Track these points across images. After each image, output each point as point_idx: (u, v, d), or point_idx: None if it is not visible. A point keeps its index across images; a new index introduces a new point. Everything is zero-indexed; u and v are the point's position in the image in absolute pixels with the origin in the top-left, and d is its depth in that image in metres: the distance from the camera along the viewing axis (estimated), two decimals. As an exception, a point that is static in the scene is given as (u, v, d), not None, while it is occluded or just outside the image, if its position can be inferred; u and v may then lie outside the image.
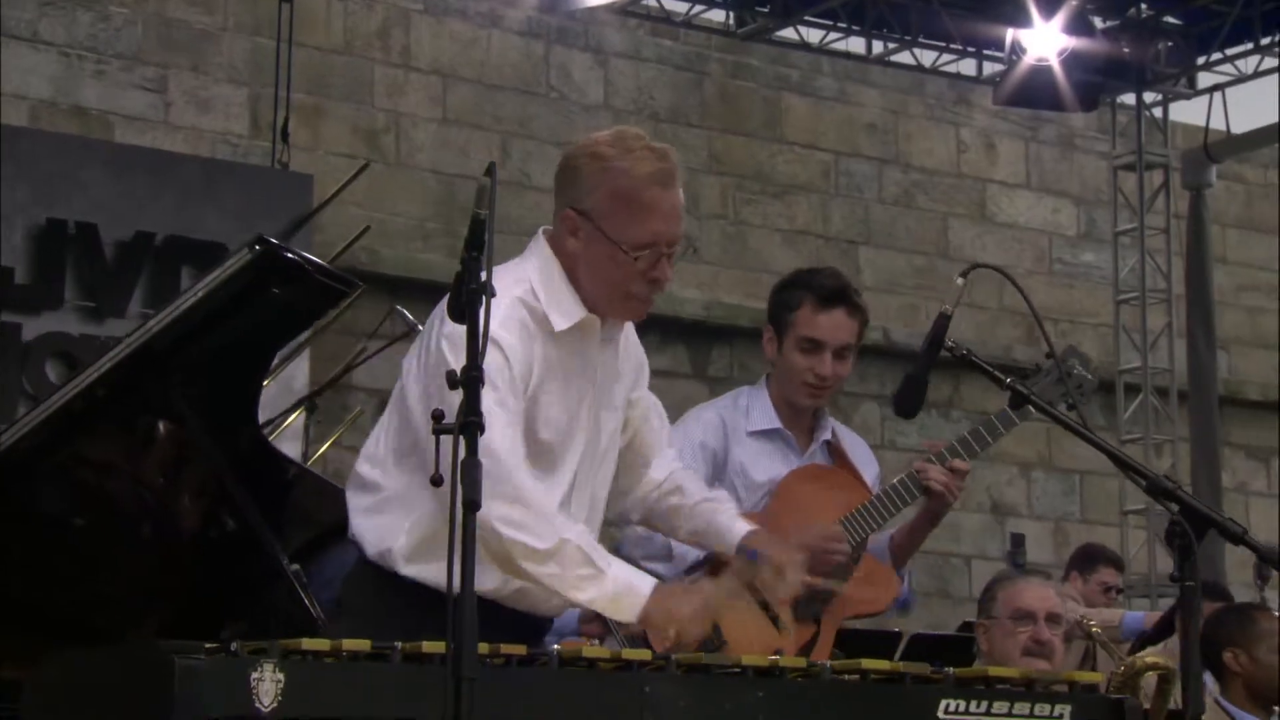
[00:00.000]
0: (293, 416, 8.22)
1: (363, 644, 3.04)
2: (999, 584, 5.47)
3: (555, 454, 3.68)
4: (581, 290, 3.69)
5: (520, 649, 3.14)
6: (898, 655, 6.45)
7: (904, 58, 12.62)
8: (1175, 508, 3.40)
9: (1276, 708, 5.80)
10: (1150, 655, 5.17)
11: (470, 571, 2.79)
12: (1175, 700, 5.27)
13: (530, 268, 3.78)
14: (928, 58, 12.67)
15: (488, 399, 3.53)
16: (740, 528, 3.97)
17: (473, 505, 2.78)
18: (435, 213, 12.81)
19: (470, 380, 2.90)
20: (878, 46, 12.53)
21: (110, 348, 4.59)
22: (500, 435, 3.52)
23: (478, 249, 3.18)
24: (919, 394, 4.00)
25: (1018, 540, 8.42)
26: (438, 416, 2.94)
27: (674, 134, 13.53)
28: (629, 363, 3.92)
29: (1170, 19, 12.52)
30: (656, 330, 11.91)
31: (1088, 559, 8.49)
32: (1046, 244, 14.75)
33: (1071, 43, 11.14)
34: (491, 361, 3.55)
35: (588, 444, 3.74)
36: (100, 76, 11.55)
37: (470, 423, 2.82)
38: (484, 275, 3.12)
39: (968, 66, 12.86)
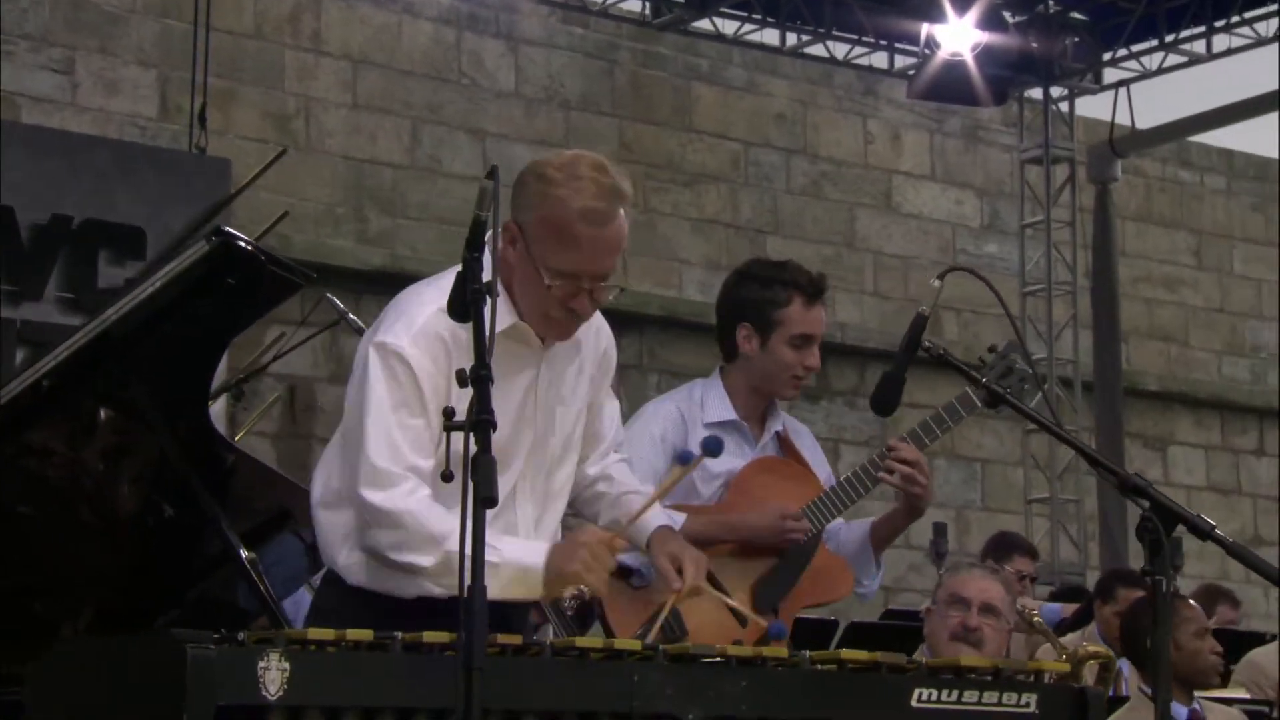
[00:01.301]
0: (216, 402, 8.19)
1: (365, 634, 3.09)
2: (948, 572, 5.56)
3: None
4: (513, 296, 3.72)
5: (516, 639, 3.20)
6: (834, 643, 6.55)
7: (817, 50, 12.74)
8: (1146, 504, 3.49)
9: (1198, 692, 5.92)
10: (1091, 645, 5.27)
11: (480, 565, 2.84)
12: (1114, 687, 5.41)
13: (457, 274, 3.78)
14: (840, 50, 12.79)
15: (376, 424, 3.63)
16: (655, 521, 3.96)
17: (489, 501, 2.83)
18: (345, 198, 12.79)
19: (479, 379, 2.94)
20: (791, 39, 12.63)
21: (68, 336, 4.59)
22: (377, 458, 3.60)
23: (478, 250, 3.20)
24: (896, 392, 4.09)
25: (940, 529, 8.56)
26: (449, 414, 2.99)
27: (584, 122, 13.60)
28: (593, 358, 3.92)
29: (1077, 15, 12.73)
30: (567, 317, 11.92)
31: (1003, 548, 8.58)
32: (951, 235, 14.93)
33: (984, 38, 11.29)
34: (396, 378, 3.64)
35: (535, 441, 3.77)
36: (7, 57, 11.43)
37: (482, 420, 2.87)
38: (485, 275, 3.16)
39: (879, 59, 13.00)
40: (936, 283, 4.00)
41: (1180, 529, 3.58)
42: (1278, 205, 16.39)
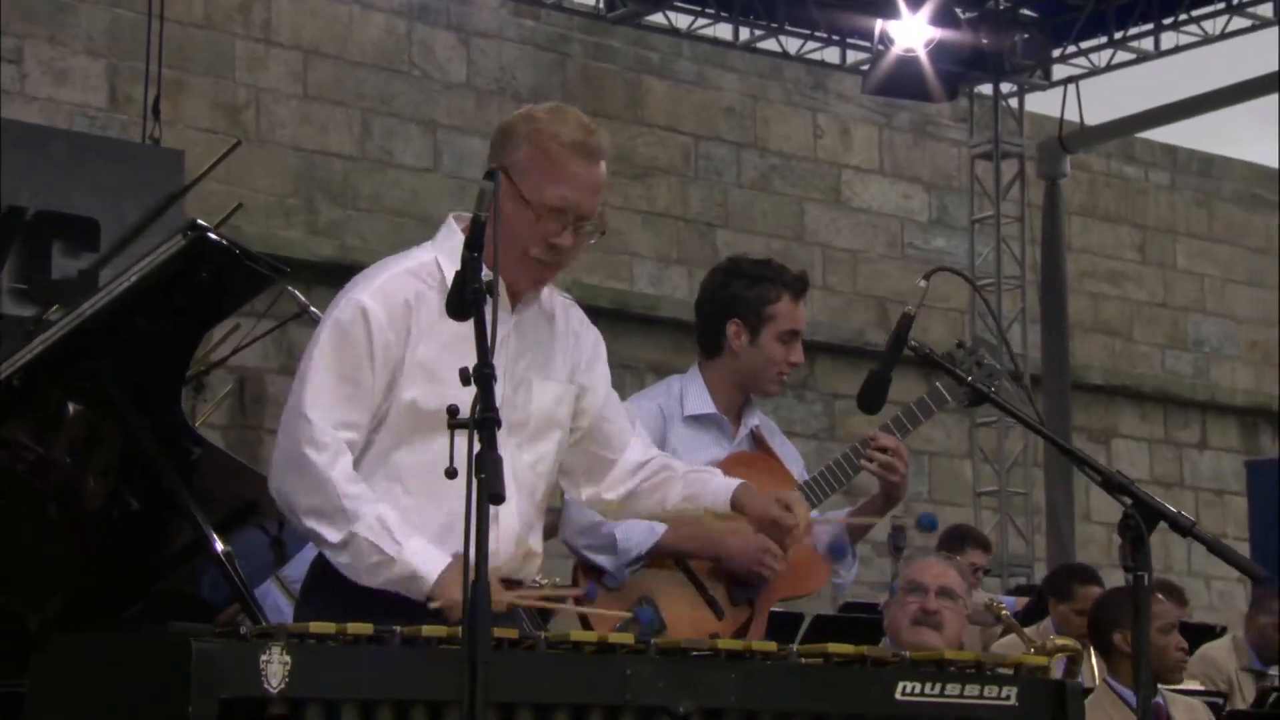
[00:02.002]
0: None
1: (365, 628, 3.11)
2: (905, 563, 5.63)
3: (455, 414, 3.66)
4: (489, 259, 3.71)
5: (512, 632, 3.23)
6: (799, 636, 6.60)
7: (770, 45, 12.80)
8: (1129, 501, 3.55)
9: (1161, 685, 5.99)
10: (1058, 638, 5.33)
11: (484, 559, 2.86)
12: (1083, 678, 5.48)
13: (427, 245, 3.84)
14: (793, 45, 12.86)
15: (318, 375, 3.66)
16: (733, 483, 4.01)
17: (496, 498, 2.86)
18: (295, 189, 12.77)
19: (483, 378, 2.96)
20: (744, 33, 12.69)
21: (40, 331, 4.60)
22: (314, 410, 3.63)
23: (478, 250, 3.22)
24: (882, 390, 4.15)
25: (899, 528, 8.60)
26: (453, 411, 3.01)
27: (536, 114, 13.60)
28: (569, 339, 3.91)
29: (1027, 12, 12.83)
30: (518, 310, 11.93)
31: (957, 540, 8.63)
32: (899, 229, 15.03)
33: (938, 34, 11.37)
34: (348, 332, 3.67)
35: (505, 413, 3.56)
36: (-44, 47, 11.38)
37: (487, 419, 2.89)
38: (488, 275, 3.18)
39: (832, 54, 13.07)
40: (923, 283, 4.06)
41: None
42: (1220, 200, 16.59)
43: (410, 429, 3.70)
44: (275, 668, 2.97)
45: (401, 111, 13.18)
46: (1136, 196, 16.14)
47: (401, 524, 3.63)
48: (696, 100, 14.20)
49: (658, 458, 4.08)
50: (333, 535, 3.62)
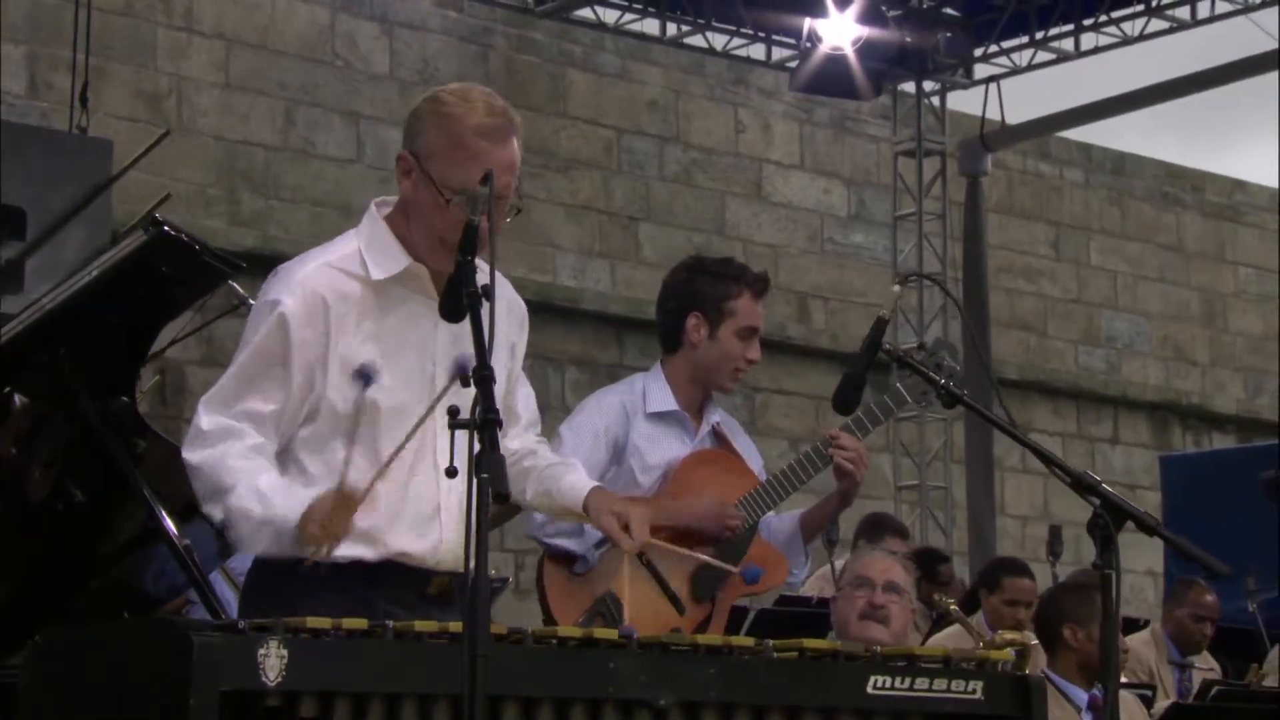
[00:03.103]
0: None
1: (360, 623, 3.16)
2: (852, 558, 5.72)
3: (381, 412, 3.65)
4: (407, 242, 3.71)
5: (501, 628, 3.27)
6: (744, 629, 6.67)
7: (696, 41, 12.87)
8: (1097, 501, 3.64)
9: (1098, 682, 6.07)
10: (1007, 632, 5.43)
11: (484, 556, 2.90)
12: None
13: (350, 234, 3.79)
14: (719, 41, 12.93)
15: (228, 373, 3.66)
16: (588, 484, 3.94)
17: (501, 497, 2.90)
18: (217, 179, 12.71)
19: (482, 379, 3.00)
20: (671, 29, 12.75)
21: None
22: (217, 403, 3.64)
23: (471, 253, 3.25)
24: (857, 392, 4.23)
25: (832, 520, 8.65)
26: (453, 412, 3.04)
27: (459, 106, 13.60)
28: (505, 314, 3.72)
29: (950, 11, 12.96)
30: (441, 302, 11.93)
31: (875, 528, 8.65)
32: (819, 224, 15.14)
33: (865, 32, 11.48)
34: (265, 330, 3.64)
35: (427, 399, 3.66)
36: (-127, 32, 11.24)
37: (489, 419, 2.93)
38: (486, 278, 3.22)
39: (757, 51, 13.16)
40: (897, 288, 4.14)
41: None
42: (1133, 198, 16.82)
43: (328, 434, 3.67)
44: (273, 661, 3.02)
45: (324, 102, 13.15)
46: (1051, 194, 16.35)
47: (278, 487, 3.59)
48: (619, 94, 14.26)
49: (527, 445, 4.01)
50: (218, 513, 3.61)
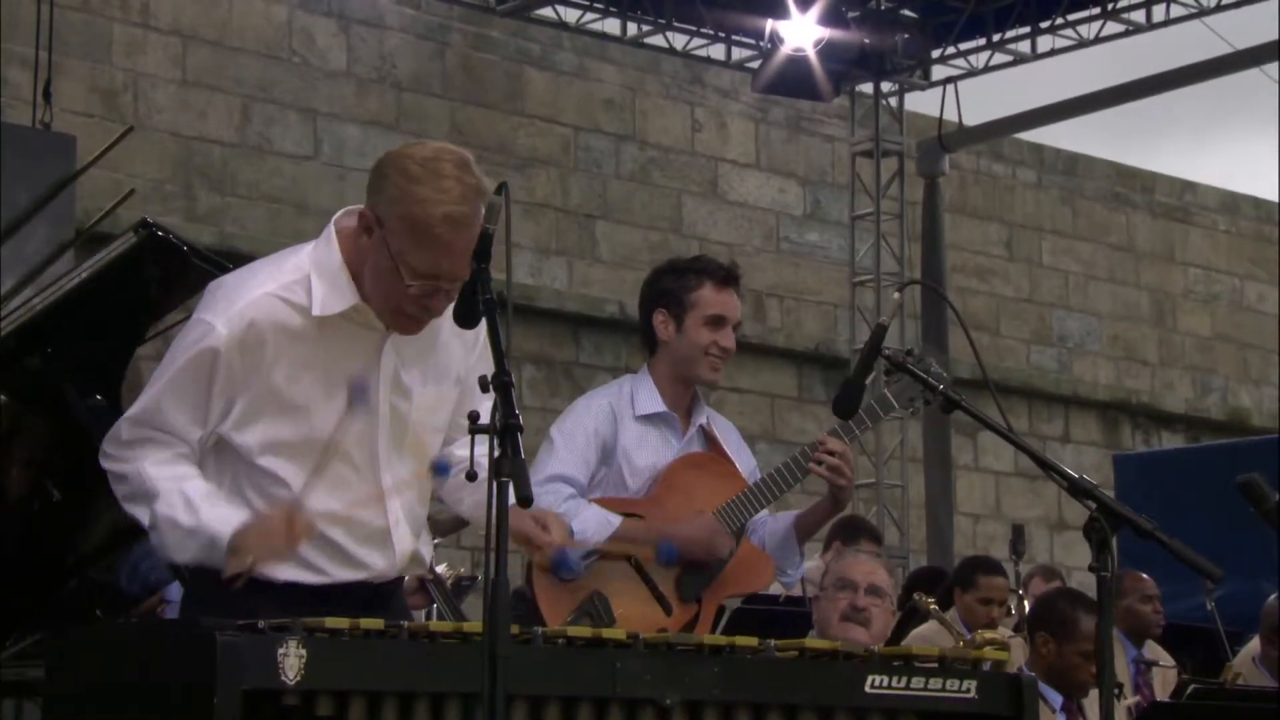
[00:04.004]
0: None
1: (376, 623, 3.21)
2: (835, 559, 5.76)
3: (316, 446, 3.64)
4: (359, 278, 3.65)
5: (513, 628, 3.31)
6: (719, 628, 6.69)
7: (656, 40, 12.91)
8: (1093, 505, 3.69)
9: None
10: (987, 632, 5.48)
11: (504, 559, 2.94)
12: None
13: (304, 254, 3.71)
14: (679, 41, 12.98)
15: (152, 386, 3.64)
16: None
17: (525, 500, 2.94)
18: (173, 175, 12.68)
19: (502, 386, 3.04)
20: (631, 28, 12.79)
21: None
22: (136, 408, 3.65)
23: (486, 261, 3.28)
24: (857, 396, 4.28)
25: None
26: (473, 417, 3.07)
27: (416, 103, 13.62)
28: (453, 340, 3.79)
29: (908, 12, 13.05)
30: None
31: (850, 531, 8.75)
32: (775, 223, 15.21)
33: (826, 34, 11.55)
34: (196, 353, 3.60)
35: (385, 431, 3.69)
36: None
37: (510, 425, 2.96)
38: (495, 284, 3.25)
39: (717, 51, 13.21)
40: (896, 295, 4.18)
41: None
42: (1084, 199, 16.96)
43: (258, 452, 3.64)
44: (292, 660, 3.06)
45: (281, 99, 13.12)
46: (1004, 194, 16.47)
47: (207, 495, 3.59)
48: (576, 92, 14.28)
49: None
50: (145, 517, 3.61)
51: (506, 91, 14.00)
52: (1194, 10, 12.43)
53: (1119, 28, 12.75)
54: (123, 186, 12.00)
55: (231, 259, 3.99)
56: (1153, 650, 7.92)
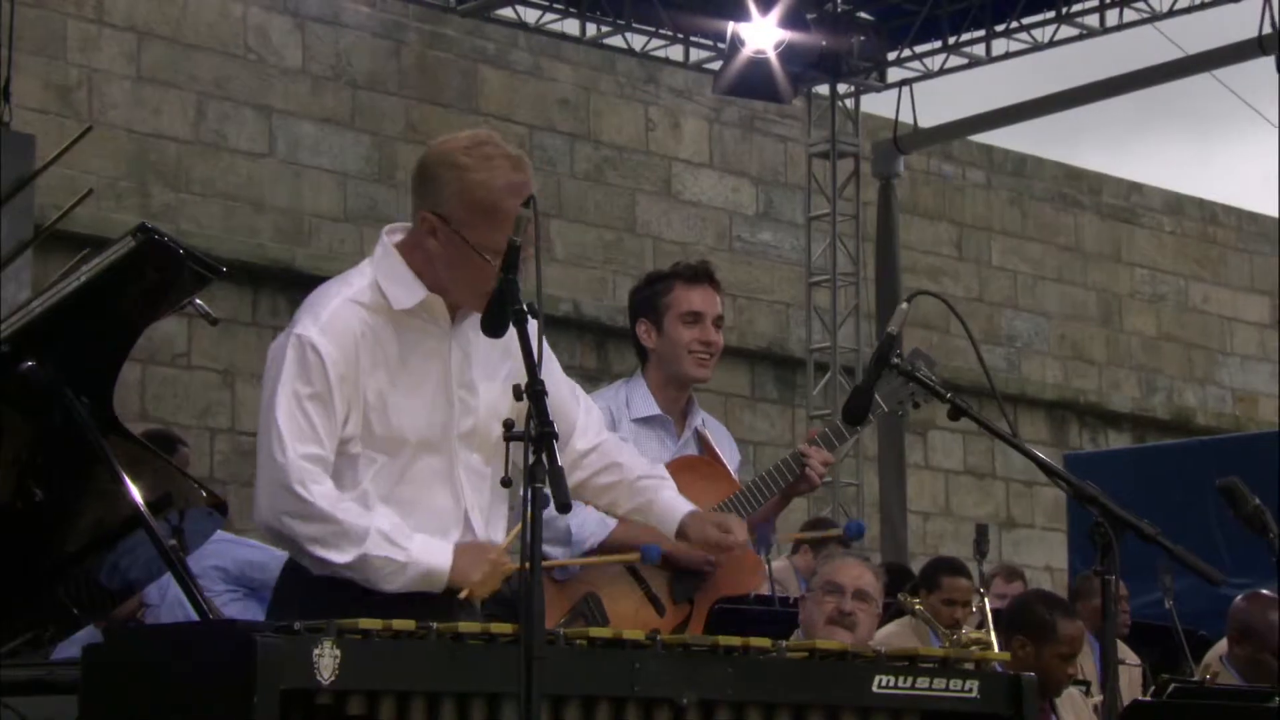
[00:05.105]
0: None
1: (408, 624, 3.26)
2: (823, 561, 5.82)
3: (407, 441, 3.83)
4: (428, 279, 3.81)
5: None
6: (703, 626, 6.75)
7: (615, 41, 12.97)
8: (1096, 511, 3.77)
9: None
10: (972, 632, 5.56)
11: (538, 563, 2.99)
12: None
13: (366, 266, 3.92)
14: (637, 41, 13.03)
15: (282, 414, 3.76)
16: (682, 508, 4.16)
17: (565, 507, 2.99)
18: (128, 171, 12.63)
19: (535, 394, 3.09)
20: (590, 29, 12.83)
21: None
22: (291, 447, 3.74)
23: (513, 271, 3.38)
24: (866, 403, 4.36)
25: (770, 522, 8.78)
26: (508, 425, 3.14)
27: (371, 101, 13.61)
28: (511, 337, 3.81)
29: (864, 15, 13.14)
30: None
31: (817, 530, 8.80)
32: (728, 222, 15.28)
33: (787, 36, 11.63)
34: (307, 369, 3.76)
35: (465, 421, 3.85)
36: None
37: (545, 433, 3.01)
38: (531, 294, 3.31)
39: (676, 52, 13.27)
40: (904, 305, 4.25)
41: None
42: (1033, 199, 17.11)
43: (360, 457, 3.81)
44: (327, 661, 3.12)
45: (236, 95, 13.10)
46: (954, 194, 16.59)
47: (398, 528, 3.77)
48: (531, 91, 14.31)
49: (603, 448, 4.15)
50: (342, 558, 3.73)
51: (462, 90, 14.01)
52: (1146, 15, 12.57)
53: (1073, 31, 12.88)
54: (77, 183, 12.01)
55: (189, 256, 4.11)
56: (1121, 649, 8.03)
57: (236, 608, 6.47)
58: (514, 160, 3.76)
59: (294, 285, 12.82)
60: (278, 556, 6.76)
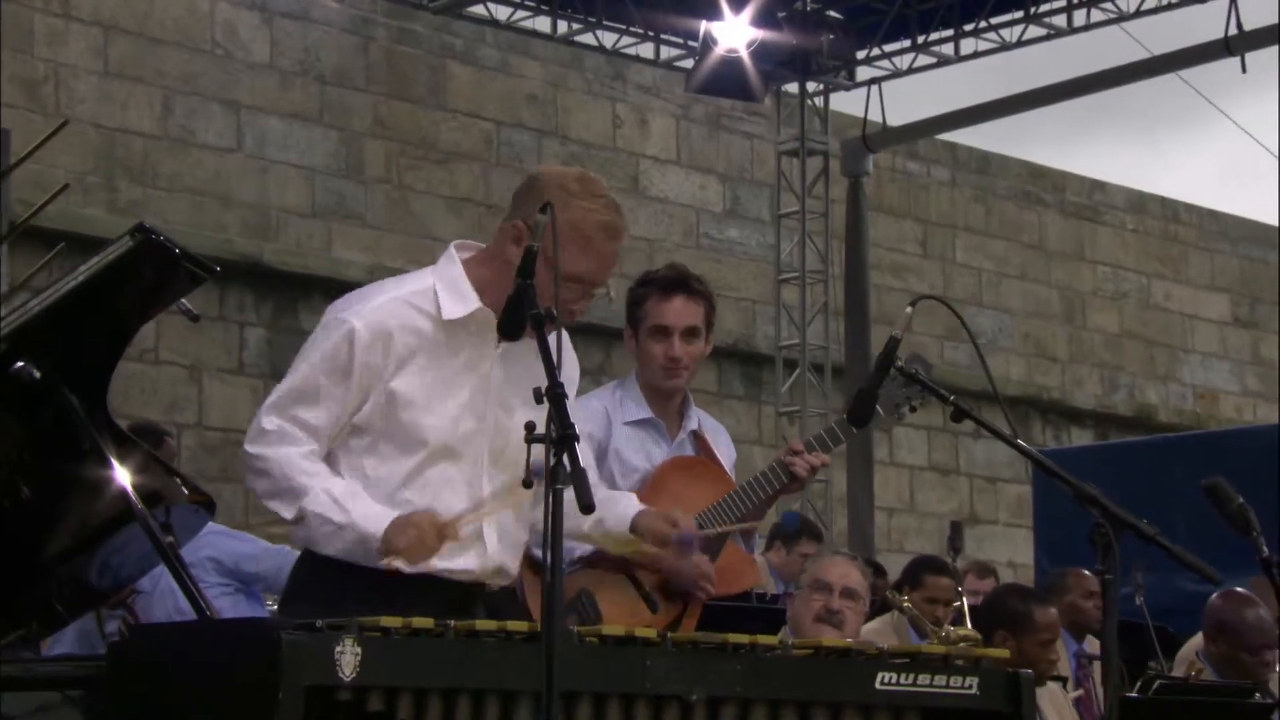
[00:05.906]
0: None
1: (426, 622, 3.30)
2: (811, 559, 5.87)
3: (425, 443, 3.91)
4: (489, 296, 3.91)
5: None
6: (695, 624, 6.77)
7: (587, 39, 12.99)
8: (1097, 512, 3.82)
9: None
10: (960, 629, 5.61)
11: (559, 564, 3.02)
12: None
13: (427, 271, 4.04)
14: (608, 39, 13.05)
15: (289, 379, 3.92)
16: (634, 508, 4.31)
17: (588, 508, 3.02)
18: (95, 166, 12.60)
19: (555, 397, 3.12)
20: (561, 26, 12.85)
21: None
22: (278, 405, 3.88)
23: (530, 276, 3.49)
24: (870, 406, 4.40)
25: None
26: (530, 427, 3.18)
27: (339, 97, 13.60)
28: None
29: (833, 14, 13.20)
30: (319, 292, 12.02)
31: (793, 530, 8.90)
32: (695, 219, 15.32)
33: (759, 35, 11.68)
34: (335, 344, 3.88)
35: (494, 437, 3.95)
36: None
37: (566, 434, 3.05)
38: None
39: (646, 50, 13.30)
40: (909, 309, 4.29)
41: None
42: (996, 197, 17.20)
43: (367, 448, 3.92)
44: (348, 658, 3.16)
45: (204, 90, 13.07)
46: (919, 192, 16.67)
47: (350, 493, 3.86)
48: (499, 87, 14.32)
49: None
50: (287, 512, 3.87)
51: (430, 86, 14.01)
52: (1113, 16, 12.66)
53: (1041, 31, 12.96)
54: (45, 178, 11.99)
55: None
56: (1093, 645, 8.10)
57: (227, 602, 6.50)
58: (614, 206, 4.01)
59: (261, 280, 12.82)
60: (269, 550, 6.83)
